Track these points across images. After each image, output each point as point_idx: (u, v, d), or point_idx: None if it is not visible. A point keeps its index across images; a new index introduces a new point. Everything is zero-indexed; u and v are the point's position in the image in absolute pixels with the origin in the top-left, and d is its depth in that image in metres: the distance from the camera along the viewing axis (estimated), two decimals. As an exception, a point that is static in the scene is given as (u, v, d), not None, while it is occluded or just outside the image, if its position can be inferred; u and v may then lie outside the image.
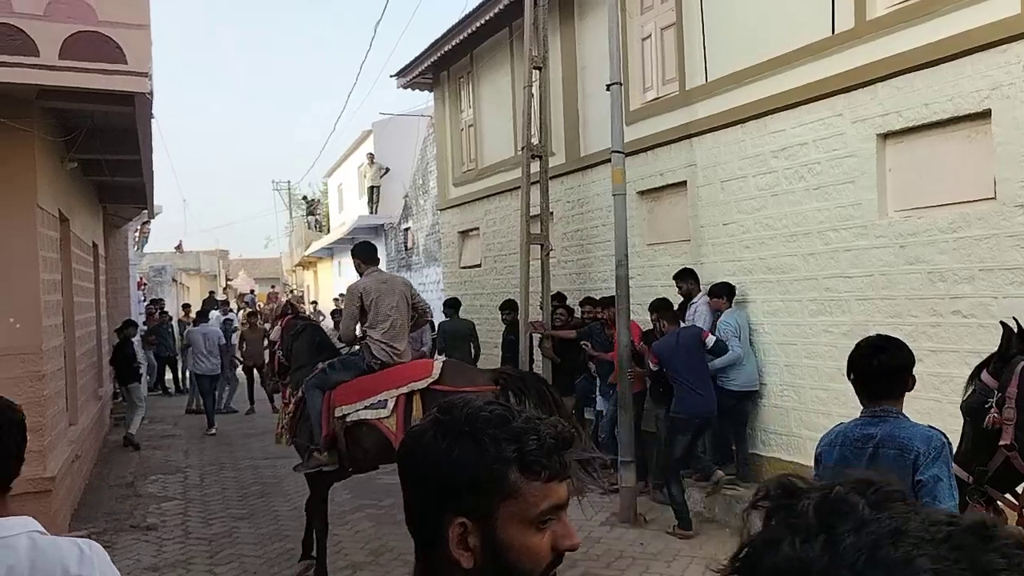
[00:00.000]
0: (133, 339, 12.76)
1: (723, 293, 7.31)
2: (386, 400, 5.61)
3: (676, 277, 7.74)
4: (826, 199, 6.58)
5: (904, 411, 2.88)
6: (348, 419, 5.72)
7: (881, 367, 2.81)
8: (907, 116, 5.91)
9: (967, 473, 3.12)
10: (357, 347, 6.29)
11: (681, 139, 8.16)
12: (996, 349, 3.16)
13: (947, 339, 5.61)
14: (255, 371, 14.20)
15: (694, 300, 7.59)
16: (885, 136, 6.14)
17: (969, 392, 3.20)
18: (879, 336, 3.02)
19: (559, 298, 9.45)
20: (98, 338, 11.91)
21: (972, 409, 3.12)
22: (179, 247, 42.66)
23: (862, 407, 2.87)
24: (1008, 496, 3.16)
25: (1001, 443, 2.92)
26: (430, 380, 5.60)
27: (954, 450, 2.78)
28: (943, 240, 5.66)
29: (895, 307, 5.99)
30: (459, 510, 1.11)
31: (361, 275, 6.27)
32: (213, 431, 12.31)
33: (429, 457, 1.13)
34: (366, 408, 5.65)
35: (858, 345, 2.92)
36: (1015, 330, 3.13)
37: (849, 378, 2.92)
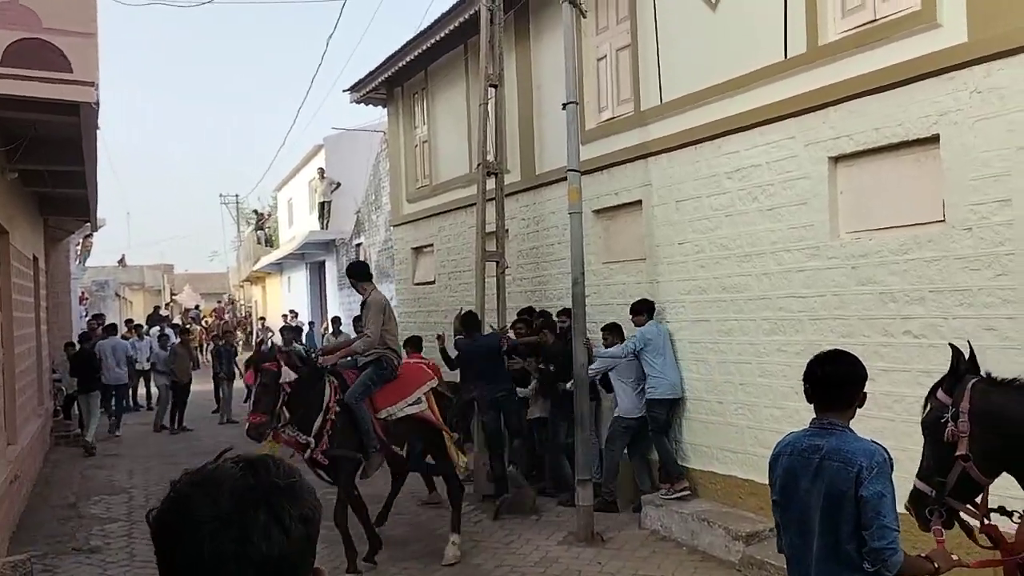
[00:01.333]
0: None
1: (643, 310, 7.71)
2: (420, 397, 7.01)
3: (602, 329, 8.12)
4: (779, 220, 6.67)
5: (855, 428, 3.01)
6: (393, 417, 6.79)
7: (826, 377, 2.98)
8: (858, 139, 6.02)
9: (929, 487, 3.22)
10: (370, 355, 6.84)
11: (636, 159, 8.21)
12: (948, 370, 3.31)
13: (898, 359, 5.70)
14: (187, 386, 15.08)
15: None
16: (837, 159, 6.24)
17: (927, 410, 3.31)
18: (835, 350, 3.19)
19: (529, 312, 9.37)
20: (39, 354, 11.51)
21: (929, 425, 3.26)
22: (122, 260, 41.67)
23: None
24: (968, 507, 3.28)
25: (957, 454, 3.09)
26: (436, 381, 7.28)
27: (894, 466, 2.91)
28: (894, 261, 5.76)
29: (847, 327, 6.08)
30: None
31: (360, 292, 7.12)
32: (118, 433, 13.94)
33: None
34: (409, 406, 6.90)
35: (814, 356, 3.10)
36: (963, 352, 3.32)
37: (804, 389, 3.07)
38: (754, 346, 6.94)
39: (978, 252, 5.22)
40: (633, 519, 7.54)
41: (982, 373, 3.28)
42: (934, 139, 5.51)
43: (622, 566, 6.42)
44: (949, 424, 3.12)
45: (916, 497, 3.26)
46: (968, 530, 3.34)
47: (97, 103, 5.98)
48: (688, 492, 7.32)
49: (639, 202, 8.24)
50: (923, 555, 3.00)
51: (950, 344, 3.42)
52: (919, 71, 5.53)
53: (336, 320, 15.26)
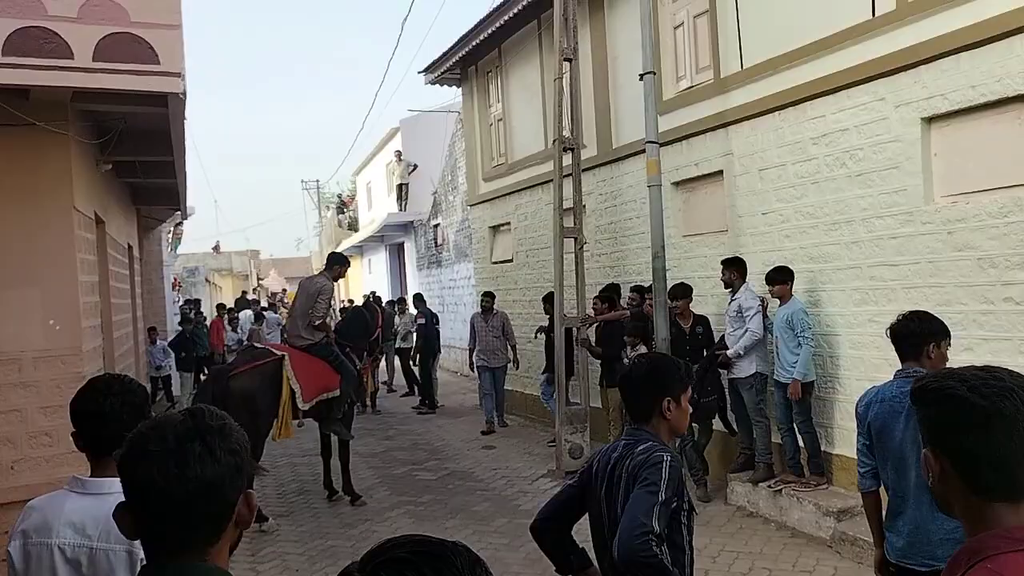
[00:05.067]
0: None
1: (789, 278, 6.81)
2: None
3: (722, 263, 7.38)
4: (869, 186, 6.42)
5: None
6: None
7: (899, 329, 3.43)
8: (953, 99, 5.74)
9: None
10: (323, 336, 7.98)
11: (716, 128, 8.01)
12: None
13: (999, 327, 5.44)
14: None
15: (737, 294, 7.21)
16: (930, 120, 5.96)
17: None
18: (915, 310, 3.61)
19: (611, 289, 9.31)
20: (135, 339, 12.02)
21: None
22: (216, 248, 43.17)
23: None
24: None
25: None
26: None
27: None
28: (993, 225, 5.49)
29: (943, 295, 5.83)
30: None
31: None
32: None
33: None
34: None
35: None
36: None
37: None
38: (844, 317, 6.72)
39: (1087, 213, 4.92)
40: (720, 494, 7.44)
41: None
42: (1036, 95, 5.21)
43: (708, 542, 6.35)
44: None
45: None
46: None
47: (184, 93, 6.13)
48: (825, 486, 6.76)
49: (720, 172, 8.06)
50: None
51: None
52: (1017, 24, 5.22)
53: (418, 296, 15.38)
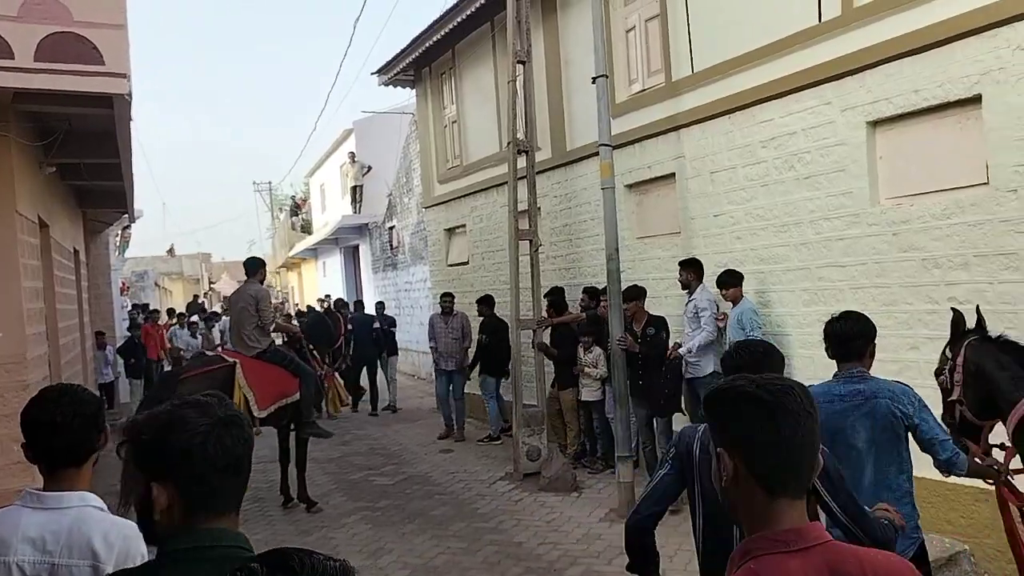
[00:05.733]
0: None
1: (739, 281, 7.00)
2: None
3: (679, 264, 7.49)
4: (817, 188, 6.54)
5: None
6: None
7: (842, 332, 3.43)
8: (897, 103, 5.87)
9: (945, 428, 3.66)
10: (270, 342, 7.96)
11: (668, 131, 8.10)
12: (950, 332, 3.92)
13: (943, 326, 5.47)
14: None
15: (693, 295, 7.36)
16: (875, 123, 6.10)
17: (938, 365, 3.93)
18: (846, 310, 3.65)
19: (556, 292, 9.35)
20: (82, 345, 11.73)
21: (937, 376, 3.92)
22: (171, 251, 42.38)
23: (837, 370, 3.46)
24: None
25: (952, 398, 3.69)
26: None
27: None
28: (936, 227, 5.63)
29: (890, 295, 5.96)
30: None
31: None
32: None
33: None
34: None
35: (830, 318, 3.56)
36: (964, 316, 3.93)
37: (826, 349, 3.50)
38: (794, 317, 6.84)
39: (1024, 214, 5.08)
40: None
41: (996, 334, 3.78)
42: (976, 99, 5.35)
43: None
44: (947, 375, 3.75)
45: None
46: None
47: (129, 94, 6.01)
48: None
49: (672, 175, 8.14)
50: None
51: (952, 308, 3.96)
52: (958, 30, 5.36)
53: (380, 304, 15.33)
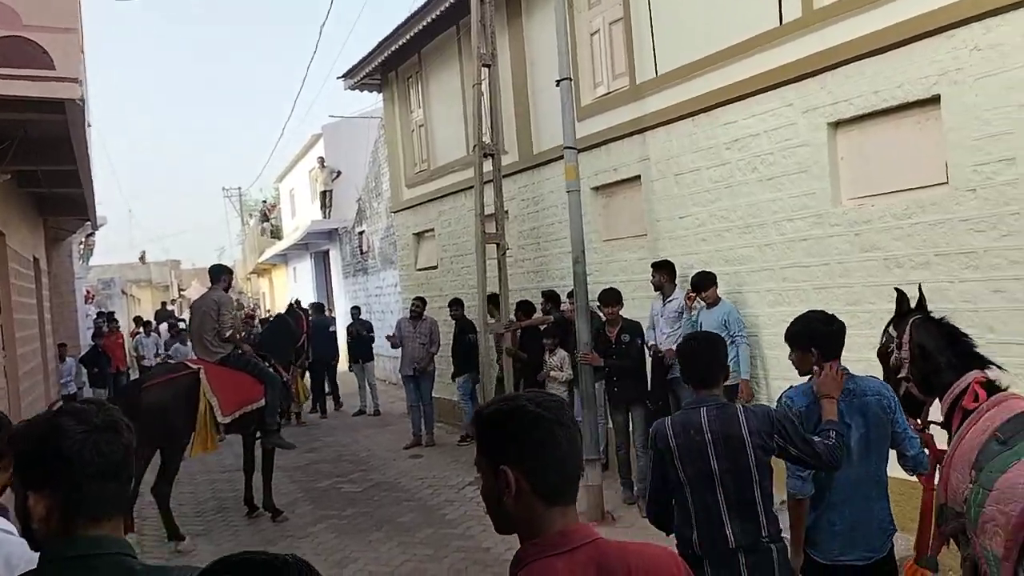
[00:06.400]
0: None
1: (714, 282, 6.92)
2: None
3: (652, 266, 7.44)
4: (780, 189, 6.56)
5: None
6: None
7: (832, 328, 3.52)
8: (857, 104, 5.90)
9: None
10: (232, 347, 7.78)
11: (633, 133, 8.09)
12: (894, 310, 3.90)
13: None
14: None
15: (673, 296, 7.32)
16: (836, 125, 6.13)
17: (881, 343, 3.92)
18: (820, 311, 3.71)
19: (524, 305, 9.34)
20: (43, 355, 11.50)
21: (881, 355, 3.93)
22: (142, 258, 41.84)
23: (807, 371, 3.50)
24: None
25: (899, 376, 3.72)
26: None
27: None
28: (897, 227, 5.66)
29: (853, 295, 5.98)
30: None
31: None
32: None
33: None
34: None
35: (809, 318, 3.61)
36: (907, 295, 3.89)
37: (800, 346, 3.52)
38: (760, 318, 6.85)
39: (983, 213, 5.11)
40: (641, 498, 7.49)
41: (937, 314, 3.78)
42: (934, 100, 5.39)
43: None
44: (894, 352, 3.76)
45: None
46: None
47: (82, 99, 5.88)
48: None
49: (638, 177, 8.13)
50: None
51: (895, 288, 3.93)
52: (917, 31, 5.40)
53: (355, 309, 15.26)
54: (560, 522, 1.57)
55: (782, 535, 3.22)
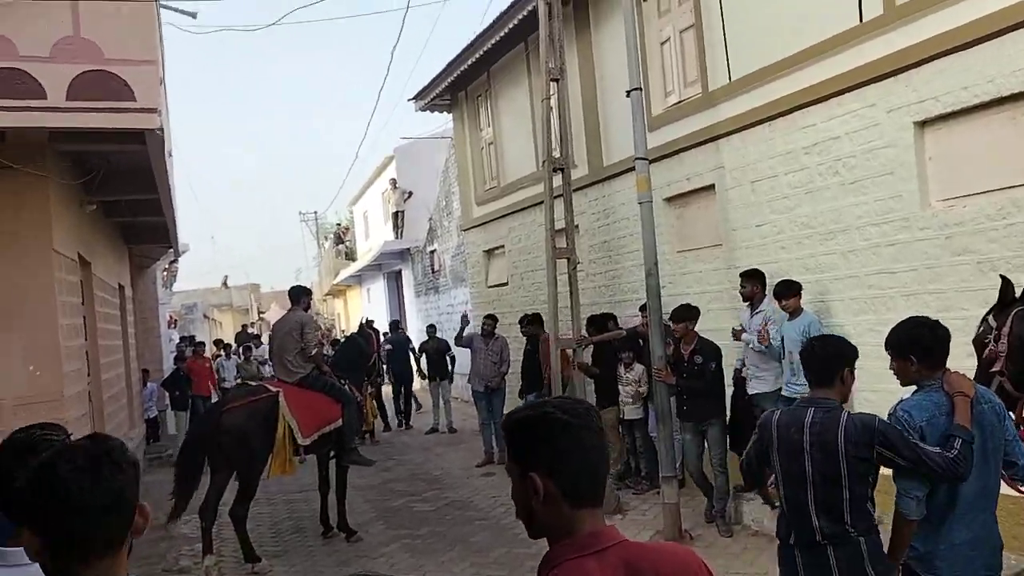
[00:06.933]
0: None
1: (799, 291, 6.59)
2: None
3: (742, 276, 7.12)
4: (864, 193, 6.28)
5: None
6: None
7: (943, 338, 3.27)
8: (945, 101, 5.61)
9: None
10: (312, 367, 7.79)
11: (706, 141, 7.91)
12: (997, 298, 3.68)
13: (1004, 333, 5.27)
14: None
15: (761, 308, 6.94)
16: (923, 123, 5.84)
17: (979, 331, 3.72)
18: (923, 316, 3.45)
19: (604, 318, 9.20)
20: (127, 380, 11.85)
21: (977, 343, 3.71)
22: (224, 282, 43.15)
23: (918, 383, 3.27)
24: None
25: (993, 370, 3.54)
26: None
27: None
28: (992, 228, 5.34)
29: (945, 301, 5.67)
30: None
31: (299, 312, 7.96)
32: None
33: None
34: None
35: (913, 323, 3.35)
36: (1012, 283, 3.69)
37: (903, 357, 3.26)
38: (843, 328, 6.54)
39: (1088, 211, 4.78)
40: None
41: None
42: (1030, 93, 5.09)
43: (712, 564, 6.13)
44: (991, 344, 3.57)
45: None
46: None
47: (161, 129, 6.04)
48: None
49: (712, 186, 7.94)
50: None
51: (1000, 275, 3.74)
52: (1008, 22, 5.11)
53: (431, 328, 15.35)
54: (589, 523, 1.59)
55: (875, 527, 3.23)
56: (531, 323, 10.47)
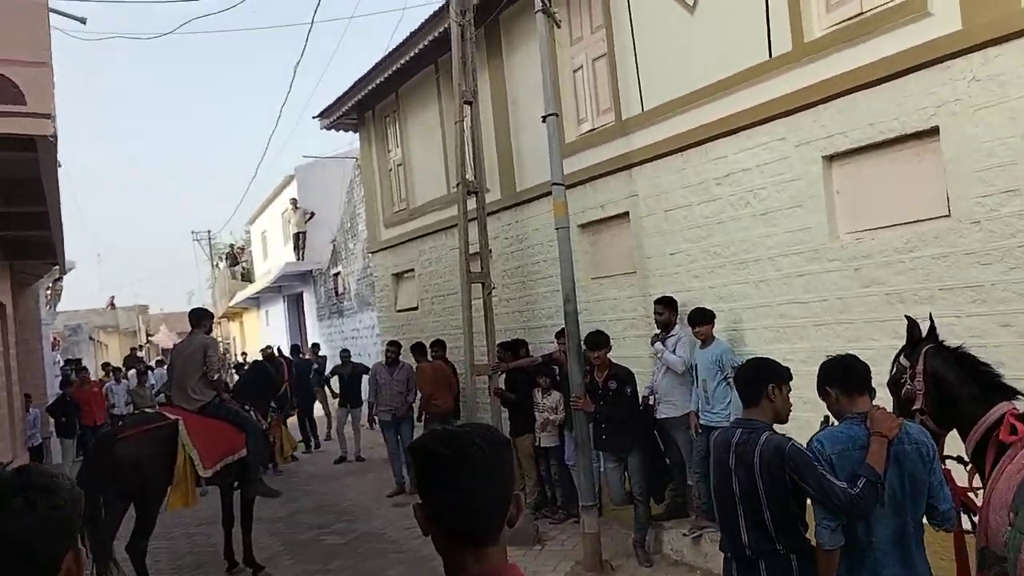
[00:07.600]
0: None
1: (711, 319, 6.68)
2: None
3: (656, 303, 7.16)
4: (774, 224, 6.44)
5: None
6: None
7: (853, 366, 3.37)
8: (852, 137, 5.82)
9: None
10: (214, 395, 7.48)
11: (620, 169, 7.98)
12: (905, 339, 3.83)
13: (910, 362, 5.46)
14: None
15: (673, 332, 7.02)
16: (831, 158, 6.04)
17: (892, 372, 3.82)
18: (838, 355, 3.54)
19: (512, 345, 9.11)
20: (9, 403, 11.04)
21: (892, 385, 3.81)
22: (111, 303, 41.12)
23: (838, 415, 3.38)
24: None
25: (914, 408, 3.58)
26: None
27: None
28: (899, 261, 5.54)
29: (854, 331, 5.84)
30: None
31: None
32: None
33: None
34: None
35: (830, 360, 3.47)
36: (917, 323, 3.84)
37: (822, 391, 3.39)
38: (756, 355, 6.67)
39: (988, 246, 5.00)
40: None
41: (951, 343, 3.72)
42: (933, 131, 5.31)
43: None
44: (907, 383, 3.64)
45: None
46: None
47: (54, 136, 5.65)
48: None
49: (626, 214, 8.01)
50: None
51: (905, 316, 3.88)
52: (912, 62, 5.34)
53: (345, 352, 14.87)
54: (475, 563, 1.49)
55: (806, 547, 3.29)
56: (441, 348, 10.37)
